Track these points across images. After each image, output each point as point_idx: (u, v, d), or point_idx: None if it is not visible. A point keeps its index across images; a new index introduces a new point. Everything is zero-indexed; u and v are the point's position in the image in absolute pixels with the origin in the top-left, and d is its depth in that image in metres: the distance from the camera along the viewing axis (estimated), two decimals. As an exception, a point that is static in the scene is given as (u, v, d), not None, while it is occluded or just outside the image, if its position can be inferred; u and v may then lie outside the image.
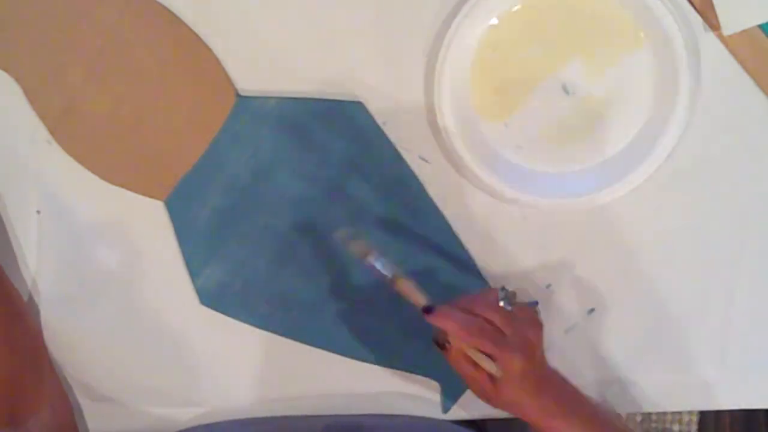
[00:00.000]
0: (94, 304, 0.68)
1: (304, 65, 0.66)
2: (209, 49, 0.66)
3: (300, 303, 0.68)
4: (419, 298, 0.58)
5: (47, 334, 0.68)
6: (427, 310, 0.57)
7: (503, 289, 0.59)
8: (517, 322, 0.58)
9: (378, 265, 0.59)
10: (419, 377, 0.69)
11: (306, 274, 0.67)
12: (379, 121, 0.66)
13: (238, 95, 0.66)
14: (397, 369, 0.69)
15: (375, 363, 0.68)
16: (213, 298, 0.67)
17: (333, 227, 0.65)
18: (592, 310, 0.69)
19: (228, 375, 0.70)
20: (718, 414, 1.06)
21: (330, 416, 0.69)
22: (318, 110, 0.66)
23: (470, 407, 0.69)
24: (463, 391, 0.68)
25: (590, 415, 0.60)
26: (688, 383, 0.70)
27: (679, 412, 0.96)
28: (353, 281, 0.67)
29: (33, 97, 0.65)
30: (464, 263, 0.68)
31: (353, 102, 0.66)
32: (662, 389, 0.70)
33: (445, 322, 0.56)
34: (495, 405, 0.59)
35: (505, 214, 0.68)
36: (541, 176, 0.67)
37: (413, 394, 0.69)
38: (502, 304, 0.58)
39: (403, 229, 0.67)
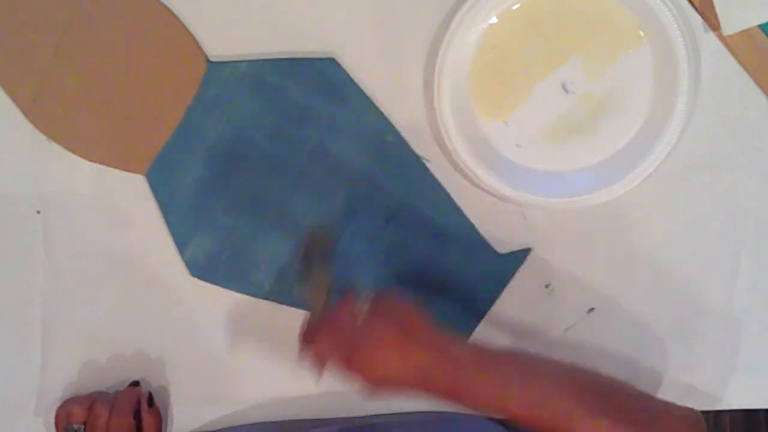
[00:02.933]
0: (94, 295, 0.68)
1: (275, 25, 0.66)
2: (176, 16, 0.65)
3: (290, 267, 0.67)
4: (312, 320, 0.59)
5: (48, 331, 0.68)
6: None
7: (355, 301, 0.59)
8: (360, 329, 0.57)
9: None
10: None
11: (294, 236, 0.67)
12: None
13: (208, 61, 0.66)
14: None
15: None
16: (202, 269, 0.67)
17: (316, 187, 0.66)
18: (591, 310, 0.69)
19: (233, 373, 0.70)
20: (718, 414, 1.06)
21: (343, 418, 0.69)
22: (290, 70, 0.66)
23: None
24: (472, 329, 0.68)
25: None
26: (688, 383, 0.70)
27: (679, 412, 0.95)
28: (344, 241, 0.67)
29: (3, 79, 0.65)
30: (449, 210, 0.67)
31: (325, 59, 0.66)
32: (662, 389, 0.69)
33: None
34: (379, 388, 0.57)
35: (505, 212, 0.68)
36: (540, 175, 0.67)
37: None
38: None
39: (385, 182, 0.67)
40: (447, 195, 0.67)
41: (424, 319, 0.58)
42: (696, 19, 0.66)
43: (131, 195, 0.67)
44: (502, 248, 0.68)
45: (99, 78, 0.65)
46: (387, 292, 0.59)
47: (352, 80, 0.66)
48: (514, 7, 0.65)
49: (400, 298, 0.59)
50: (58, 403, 0.65)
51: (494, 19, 0.65)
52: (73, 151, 0.66)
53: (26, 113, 0.66)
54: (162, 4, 0.65)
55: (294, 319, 0.68)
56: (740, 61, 0.66)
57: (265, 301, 0.68)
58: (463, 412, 0.68)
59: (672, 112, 0.64)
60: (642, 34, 0.65)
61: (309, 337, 0.58)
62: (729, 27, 0.64)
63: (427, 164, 0.67)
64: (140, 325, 0.69)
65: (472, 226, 0.68)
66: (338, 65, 0.66)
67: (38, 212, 0.68)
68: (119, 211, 0.68)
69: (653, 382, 0.69)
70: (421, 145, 0.67)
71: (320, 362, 0.57)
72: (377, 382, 0.56)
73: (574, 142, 0.67)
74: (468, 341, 0.58)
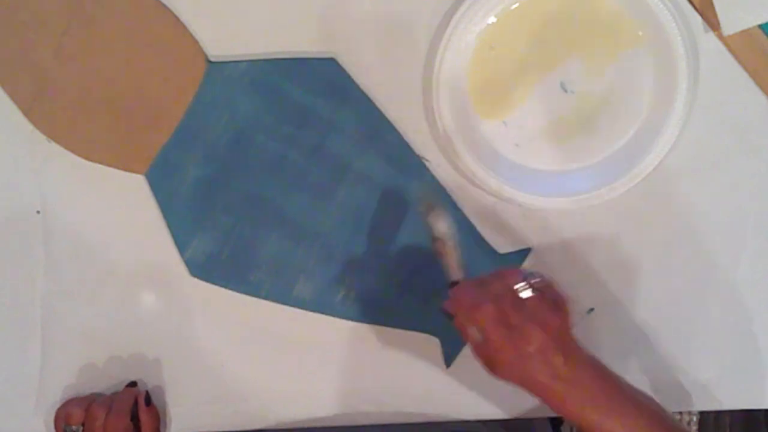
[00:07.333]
0: (94, 296, 0.68)
1: (275, 25, 0.66)
2: (176, 16, 0.65)
3: (290, 267, 0.67)
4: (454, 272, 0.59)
5: (48, 331, 0.68)
6: (453, 285, 0.58)
7: (524, 275, 0.57)
8: (528, 311, 0.55)
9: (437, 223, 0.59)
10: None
11: (294, 236, 0.67)
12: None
13: (208, 61, 0.66)
14: (395, 327, 0.68)
15: (371, 323, 0.68)
16: (202, 269, 0.67)
17: (316, 187, 0.66)
18: (591, 310, 0.69)
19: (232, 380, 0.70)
20: (718, 414, 1.06)
21: (355, 427, 0.69)
22: (290, 69, 0.66)
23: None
24: (463, 344, 0.68)
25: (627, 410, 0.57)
26: (688, 383, 0.70)
27: (679, 412, 0.95)
28: (344, 241, 0.67)
29: (3, 79, 0.65)
30: (449, 210, 0.67)
31: (325, 59, 0.66)
32: (662, 389, 0.69)
33: (456, 297, 0.57)
34: (499, 376, 0.57)
35: (505, 212, 0.68)
36: (540, 175, 0.67)
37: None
38: (517, 287, 0.56)
39: (385, 182, 0.67)
40: (447, 195, 0.67)
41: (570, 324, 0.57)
42: (696, 19, 0.66)
43: (131, 195, 0.67)
44: (502, 248, 0.68)
45: (99, 78, 0.66)
46: (555, 284, 0.58)
47: (352, 80, 0.66)
48: (513, 7, 0.65)
49: (565, 294, 0.58)
50: (58, 404, 0.65)
51: (493, 19, 0.65)
52: (73, 151, 0.66)
53: (26, 113, 0.66)
54: (162, 4, 0.65)
55: (294, 319, 0.68)
56: (740, 61, 0.66)
57: (265, 301, 0.68)
58: (469, 420, 0.68)
59: (671, 112, 0.64)
60: (641, 33, 0.65)
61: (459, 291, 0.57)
62: (729, 27, 0.64)
63: (427, 164, 0.67)
64: (140, 325, 0.69)
65: (472, 226, 0.68)
66: (338, 65, 0.66)
67: (38, 212, 0.68)
68: (119, 211, 0.68)
69: (653, 382, 0.69)
70: (421, 145, 0.67)
71: (464, 308, 0.56)
72: (507, 355, 0.54)
73: (573, 142, 0.67)
74: (587, 358, 0.57)
